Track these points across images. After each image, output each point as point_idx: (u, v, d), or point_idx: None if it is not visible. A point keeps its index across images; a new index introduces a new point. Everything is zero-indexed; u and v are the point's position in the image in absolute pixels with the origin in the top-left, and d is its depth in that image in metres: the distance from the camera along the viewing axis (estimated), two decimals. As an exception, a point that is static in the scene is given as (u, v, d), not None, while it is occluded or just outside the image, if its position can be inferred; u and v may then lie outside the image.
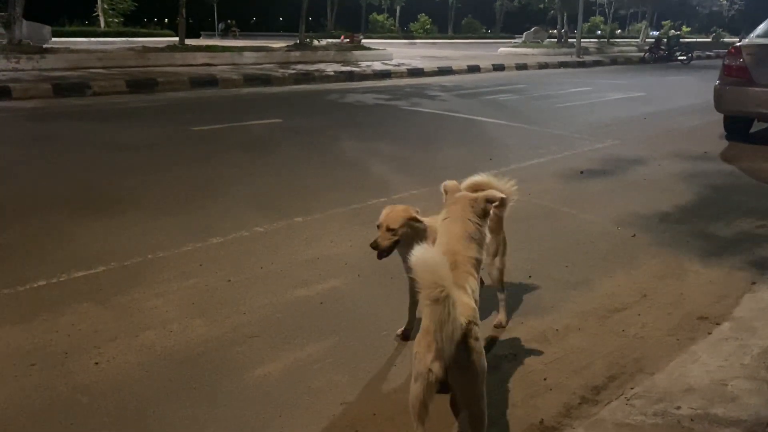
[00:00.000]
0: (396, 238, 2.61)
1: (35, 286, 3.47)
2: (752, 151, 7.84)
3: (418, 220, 2.64)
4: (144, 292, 3.42)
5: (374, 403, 2.49)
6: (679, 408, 2.31)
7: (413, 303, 2.86)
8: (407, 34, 45.44)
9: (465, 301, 2.05)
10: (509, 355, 2.85)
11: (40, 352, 2.81)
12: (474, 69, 19.54)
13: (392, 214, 2.63)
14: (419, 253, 1.85)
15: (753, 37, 8.25)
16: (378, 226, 2.65)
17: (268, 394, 2.54)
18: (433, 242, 2.53)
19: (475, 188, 3.10)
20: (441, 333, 1.82)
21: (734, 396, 2.37)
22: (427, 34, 46.42)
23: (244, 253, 4.03)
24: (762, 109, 7.80)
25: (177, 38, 19.85)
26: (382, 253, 2.63)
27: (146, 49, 17.63)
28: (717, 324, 3.08)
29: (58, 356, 2.77)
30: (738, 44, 8.30)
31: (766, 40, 7.89)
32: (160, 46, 19.02)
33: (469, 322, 1.94)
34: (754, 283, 3.64)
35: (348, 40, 25.44)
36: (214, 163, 6.49)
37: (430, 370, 1.92)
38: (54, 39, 18.88)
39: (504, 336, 3.04)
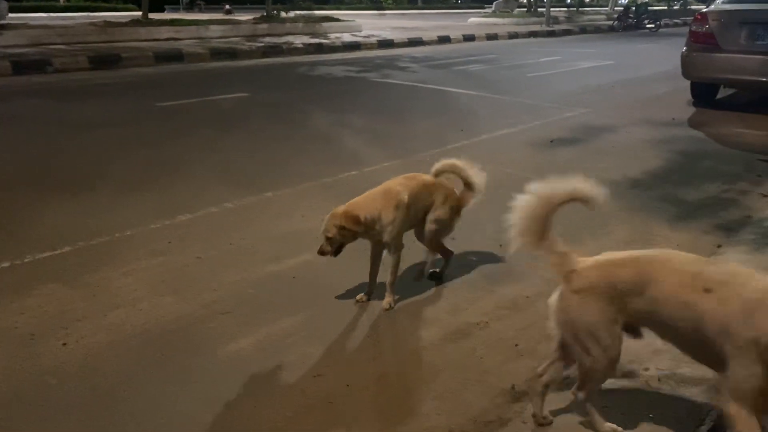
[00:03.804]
0: (335, 244, 2.89)
1: (-1, 268, 3.39)
2: (718, 116, 7.97)
3: (344, 228, 2.84)
4: (112, 271, 3.36)
5: (348, 375, 2.50)
6: (647, 369, 2.36)
7: (374, 271, 3.09)
8: (377, 5, 44.72)
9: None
10: (480, 322, 2.88)
11: (5, 334, 2.75)
12: (444, 40, 19.38)
13: (327, 223, 2.87)
14: None
15: (719, 3, 8.30)
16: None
17: (241, 370, 2.52)
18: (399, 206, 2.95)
19: (445, 171, 3.18)
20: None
21: (700, 355, 2.42)
22: (396, 5, 45.77)
23: (213, 230, 3.98)
24: (728, 75, 7.90)
25: (140, 12, 19.26)
26: (333, 254, 2.94)
27: (108, 24, 17.10)
28: (684, 286, 3.14)
29: (24, 338, 2.72)
30: (704, 10, 8.35)
31: (731, 6, 7.94)
32: (123, 20, 18.43)
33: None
34: (719, 246, 3.72)
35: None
36: (180, 139, 6.37)
37: None
38: (11, 15, 18.15)
39: (475, 304, 3.07)
